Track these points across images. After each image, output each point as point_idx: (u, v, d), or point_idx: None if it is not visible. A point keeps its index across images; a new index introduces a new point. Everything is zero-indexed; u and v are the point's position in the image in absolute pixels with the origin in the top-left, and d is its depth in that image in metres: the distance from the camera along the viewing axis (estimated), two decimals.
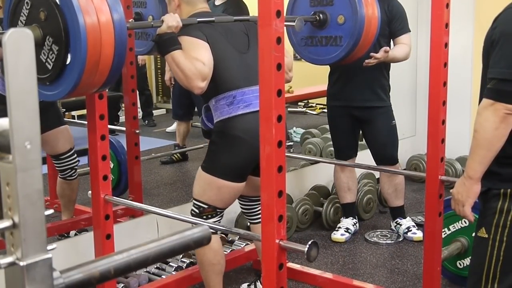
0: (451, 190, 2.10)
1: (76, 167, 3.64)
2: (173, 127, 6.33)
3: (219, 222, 2.73)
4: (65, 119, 5.16)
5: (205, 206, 2.67)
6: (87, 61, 2.04)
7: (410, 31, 3.69)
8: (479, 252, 2.03)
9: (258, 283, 3.11)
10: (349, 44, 3.05)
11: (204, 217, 2.67)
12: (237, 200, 2.93)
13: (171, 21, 2.49)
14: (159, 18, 2.60)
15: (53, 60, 2.08)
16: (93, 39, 2.04)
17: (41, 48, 2.08)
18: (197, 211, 2.70)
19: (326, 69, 3.79)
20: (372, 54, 3.36)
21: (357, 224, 3.99)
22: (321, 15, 3.09)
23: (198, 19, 2.61)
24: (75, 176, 3.65)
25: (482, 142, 1.91)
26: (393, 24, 3.61)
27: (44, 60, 2.10)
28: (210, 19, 2.63)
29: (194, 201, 2.72)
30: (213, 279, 2.77)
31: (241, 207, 2.99)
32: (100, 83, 2.17)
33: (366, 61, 3.38)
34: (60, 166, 3.60)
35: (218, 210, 2.69)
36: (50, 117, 3.40)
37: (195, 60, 2.50)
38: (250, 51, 2.67)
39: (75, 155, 3.63)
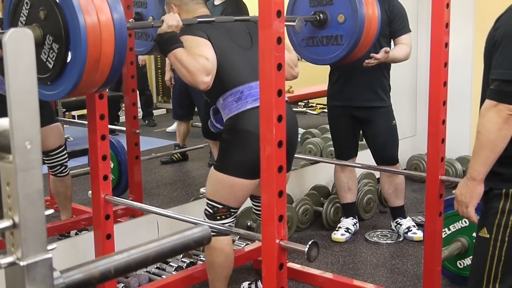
0: (453, 191, 2.10)
1: (66, 164, 3.65)
2: (173, 127, 6.33)
3: (233, 223, 2.72)
4: (65, 119, 5.17)
5: (219, 206, 2.64)
6: (87, 60, 2.04)
7: (410, 31, 3.68)
8: (481, 252, 2.03)
9: (259, 283, 3.11)
10: (350, 43, 3.05)
11: (218, 217, 2.64)
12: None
13: (171, 20, 2.50)
14: (159, 18, 2.60)
15: (53, 59, 2.08)
16: (93, 37, 2.04)
17: (41, 47, 2.08)
18: (211, 211, 2.67)
19: (326, 69, 3.79)
20: (372, 54, 3.36)
21: (357, 224, 3.99)
22: (321, 15, 3.09)
23: (198, 19, 2.62)
24: (66, 172, 3.66)
25: (485, 143, 1.91)
26: (394, 24, 3.61)
27: (44, 60, 2.10)
28: (210, 19, 2.63)
29: (207, 201, 2.69)
30: (219, 281, 2.76)
31: (254, 208, 2.99)
32: (101, 82, 2.17)
33: (366, 61, 3.38)
34: (50, 163, 3.61)
35: (232, 210, 2.66)
36: (43, 115, 3.39)
37: (197, 56, 2.50)
38: (254, 48, 2.66)
39: (65, 152, 3.64)
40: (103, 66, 2.10)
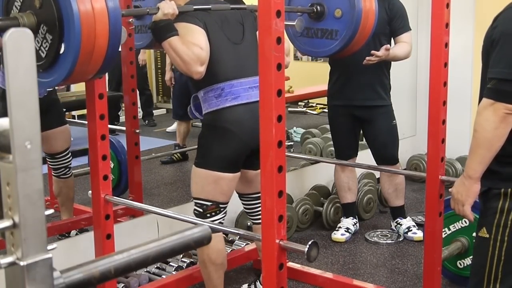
0: (450, 190, 2.10)
1: (69, 166, 3.65)
2: (173, 127, 6.34)
3: (223, 220, 2.72)
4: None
5: (208, 204, 2.65)
6: (80, 52, 2.03)
7: (410, 30, 3.68)
8: (481, 252, 2.03)
9: (258, 283, 3.11)
10: (344, 38, 3.00)
11: (208, 215, 2.65)
12: (239, 200, 2.93)
13: (167, 8, 2.48)
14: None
15: (46, 49, 2.07)
16: (87, 29, 2.02)
17: (35, 35, 2.07)
18: (200, 209, 2.68)
19: (326, 68, 3.79)
20: (373, 52, 3.35)
21: (357, 224, 3.99)
22: (318, 7, 3.05)
23: (194, 7, 2.59)
24: (70, 174, 3.66)
25: (482, 142, 1.91)
26: (394, 23, 3.61)
27: (37, 48, 2.09)
28: (206, 7, 2.61)
29: (195, 200, 2.71)
30: (215, 279, 2.76)
31: (244, 207, 2.98)
32: (95, 70, 2.16)
33: (367, 58, 3.37)
34: (54, 165, 3.61)
35: (221, 206, 2.68)
36: (52, 117, 3.41)
37: (192, 45, 2.49)
38: (244, 42, 2.68)
39: (69, 154, 3.64)
40: (96, 55, 2.09)
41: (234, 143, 2.60)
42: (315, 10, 3.06)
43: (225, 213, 2.73)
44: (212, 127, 2.63)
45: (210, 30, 2.58)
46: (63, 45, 2.04)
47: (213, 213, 2.67)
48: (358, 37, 3.03)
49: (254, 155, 2.63)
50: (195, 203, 2.71)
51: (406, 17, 3.67)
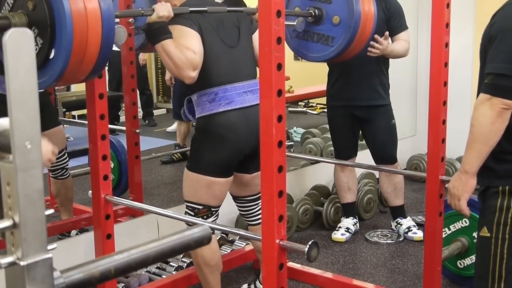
0: (447, 185, 2.10)
1: (66, 167, 3.65)
2: (173, 127, 6.34)
3: (215, 222, 2.72)
4: (65, 119, 5.15)
5: (200, 207, 2.64)
6: (71, 57, 2.02)
7: (408, 28, 3.68)
8: (483, 252, 2.03)
9: (258, 283, 3.11)
10: (340, 46, 2.98)
11: (200, 218, 2.65)
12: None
13: (162, 11, 2.44)
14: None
15: (36, 51, 2.05)
16: (79, 35, 2.00)
17: None
18: (191, 213, 2.66)
19: (326, 68, 3.78)
20: (376, 36, 3.28)
21: (358, 224, 3.99)
22: (316, 11, 3.02)
23: (190, 9, 2.56)
24: (67, 175, 3.66)
25: (479, 137, 1.92)
26: (392, 22, 3.60)
27: None
28: (202, 9, 2.58)
29: (186, 203, 2.68)
30: (212, 279, 2.76)
31: (239, 209, 2.97)
32: (86, 73, 2.15)
33: (371, 42, 3.32)
34: (51, 167, 3.60)
35: (213, 210, 2.67)
36: (45, 118, 3.37)
37: (185, 49, 2.46)
38: (240, 45, 2.64)
39: (66, 155, 3.64)
40: (87, 61, 2.08)
41: (227, 149, 2.58)
42: (313, 13, 3.04)
43: (217, 215, 2.72)
44: (205, 131, 2.60)
45: (205, 33, 2.55)
46: (53, 51, 2.02)
47: (204, 216, 2.65)
48: (354, 45, 3.00)
49: (248, 159, 2.63)
50: (187, 206, 2.68)
51: (403, 16, 3.66)
